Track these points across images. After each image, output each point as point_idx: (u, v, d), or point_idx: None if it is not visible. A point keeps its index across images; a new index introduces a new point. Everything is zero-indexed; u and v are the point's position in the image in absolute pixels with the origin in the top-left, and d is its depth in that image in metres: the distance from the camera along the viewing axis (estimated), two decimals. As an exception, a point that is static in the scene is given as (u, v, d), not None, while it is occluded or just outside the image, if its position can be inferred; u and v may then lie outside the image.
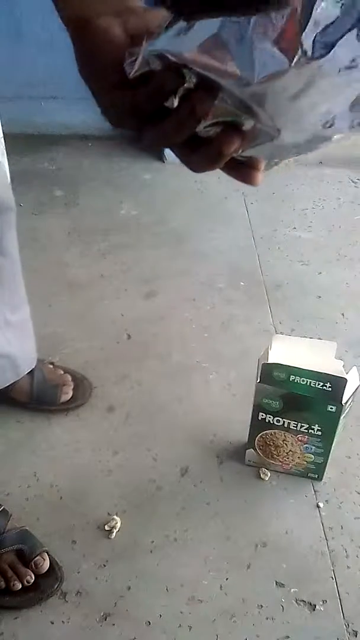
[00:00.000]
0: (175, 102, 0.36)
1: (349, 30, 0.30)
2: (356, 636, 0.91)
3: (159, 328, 1.41)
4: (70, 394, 1.23)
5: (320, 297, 1.53)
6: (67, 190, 1.94)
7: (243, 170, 0.41)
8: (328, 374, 0.95)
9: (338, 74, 0.31)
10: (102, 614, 0.93)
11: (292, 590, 0.96)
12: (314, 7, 0.30)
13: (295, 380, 0.96)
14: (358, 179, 2.04)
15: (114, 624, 0.92)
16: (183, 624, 0.92)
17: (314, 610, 0.94)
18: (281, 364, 0.96)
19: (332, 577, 0.98)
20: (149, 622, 0.92)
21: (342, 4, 0.30)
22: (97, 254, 1.67)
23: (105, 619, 0.93)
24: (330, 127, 0.37)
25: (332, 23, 0.30)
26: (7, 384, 1.14)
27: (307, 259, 1.67)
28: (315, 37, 0.30)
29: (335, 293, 1.54)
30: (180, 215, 1.83)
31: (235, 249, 1.69)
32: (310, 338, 1.17)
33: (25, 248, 1.68)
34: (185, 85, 0.35)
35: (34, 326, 1.41)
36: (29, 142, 2.18)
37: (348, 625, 0.92)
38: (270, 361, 0.97)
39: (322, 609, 0.94)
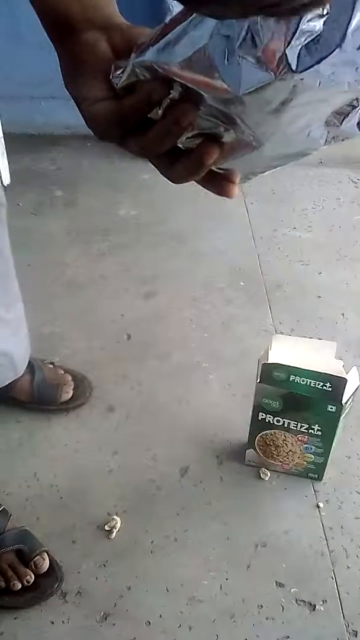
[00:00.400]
0: (160, 113, 0.37)
1: (335, 48, 0.31)
2: (356, 636, 0.91)
3: (159, 328, 1.41)
4: (71, 393, 1.23)
5: (320, 297, 1.53)
6: (66, 190, 1.94)
7: (219, 182, 0.42)
8: (328, 374, 0.95)
9: (318, 88, 0.32)
10: (102, 614, 0.93)
11: (292, 590, 0.96)
12: (300, 22, 0.30)
13: (295, 380, 0.96)
14: (358, 179, 2.04)
15: (114, 624, 0.92)
16: (183, 624, 0.92)
17: (314, 610, 0.94)
18: (281, 364, 0.96)
19: (332, 577, 0.98)
20: (149, 622, 0.92)
21: (325, 20, 0.30)
22: (97, 254, 1.67)
23: (105, 619, 0.93)
24: (307, 140, 0.38)
25: (316, 37, 0.30)
26: (7, 383, 1.14)
27: (307, 259, 1.66)
28: (300, 50, 0.30)
29: (335, 293, 1.54)
30: (180, 215, 1.83)
31: (235, 249, 1.69)
32: (310, 338, 1.17)
33: (25, 248, 1.69)
34: (170, 96, 0.36)
35: (34, 326, 1.41)
36: (29, 142, 2.18)
37: (348, 625, 0.92)
38: (270, 361, 0.97)
39: (322, 609, 0.94)
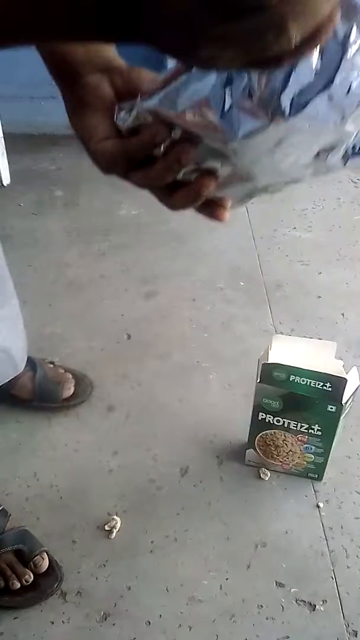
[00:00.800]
0: (162, 151, 0.41)
1: (321, 91, 0.34)
2: (356, 636, 0.91)
3: (159, 328, 1.41)
4: (72, 390, 1.24)
5: (320, 297, 1.53)
6: (67, 190, 1.94)
7: (212, 208, 0.46)
8: (328, 374, 0.95)
9: (308, 129, 0.36)
10: (102, 614, 0.93)
11: (292, 590, 0.96)
12: (292, 70, 0.34)
13: (295, 380, 0.96)
14: (358, 179, 2.04)
15: (114, 624, 0.92)
16: (183, 624, 0.92)
17: (314, 610, 0.94)
18: (281, 364, 0.96)
19: (332, 577, 0.98)
20: (149, 622, 0.92)
21: (316, 71, 0.34)
22: (97, 254, 1.67)
23: (105, 619, 0.93)
24: (297, 171, 0.43)
25: (307, 84, 0.34)
26: (7, 380, 1.14)
27: (307, 259, 1.67)
28: (292, 97, 0.34)
29: (335, 293, 1.54)
30: (181, 215, 1.82)
31: (235, 249, 1.69)
32: (310, 338, 1.17)
33: (25, 248, 1.69)
34: (171, 136, 0.40)
35: (34, 326, 1.41)
36: (29, 142, 2.18)
37: (348, 625, 0.92)
38: (270, 361, 0.97)
39: (322, 609, 0.94)
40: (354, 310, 1.49)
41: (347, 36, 0.34)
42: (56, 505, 1.07)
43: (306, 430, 1.02)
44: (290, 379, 0.97)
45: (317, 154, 0.41)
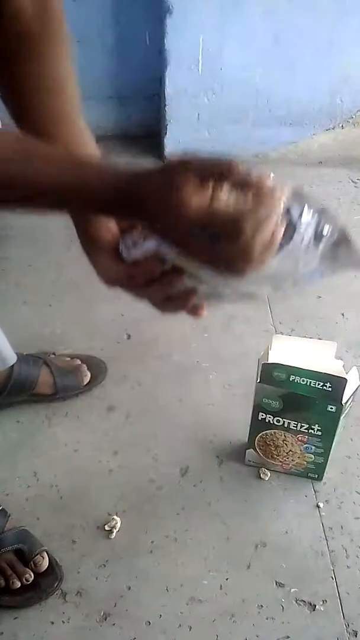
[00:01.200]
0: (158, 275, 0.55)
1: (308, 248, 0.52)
2: (356, 636, 0.91)
3: (159, 328, 1.41)
4: (89, 374, 1.25)
5: (320, 297, 1.52)
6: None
7: (193, 309, 0.59)
8: (328, 374, 0.95)
9: (285, 266, 0.51)
10: (102, 614, 0.93)
11: (292, 590, 0.96)
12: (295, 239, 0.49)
13: (295, 380, 0.96)
14: (358, 179, 2.04)
15: (114, 624, 0.92)
16: (183, 624, 0.92)
17: (314, 610, 0.94)
18: (281, 364, 0.96)
19: (332, 577, 0.98)
20: (149, 622, 0.92)
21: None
22: (97, 254, 1.66)
23: (105, 619, 0.93)
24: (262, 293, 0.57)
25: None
26: None
27: (307, 259, 1.66)
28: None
29: (335, 293, 1.54)
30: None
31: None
32: (310, 338, 1.17)
33: (25, 248, 1.69)
34: (165, 266, 0.54)
35: (34, 326, 1.41)
36: (29, 142, 2.17)
37: (348, 625, 0.92)
38: (270, 361, 0.97)
39: (322, 609, 0.94)
40: (354, 310, 1.49)
41: (300, 215, 0.48)
42: (56, 505, 1.07)
43: (306, 430, 1.02)
44: (290, 379, 0.97)
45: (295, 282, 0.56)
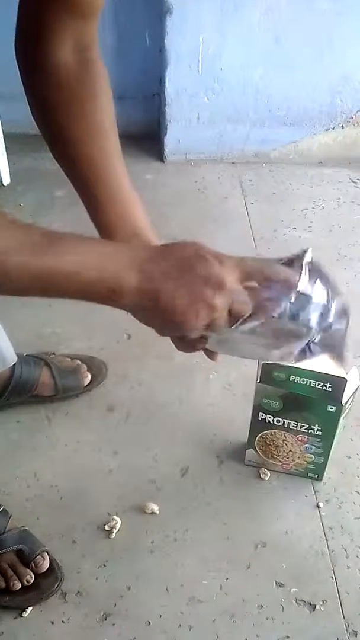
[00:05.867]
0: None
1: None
2: (356, 636, 0.91)
3: (159, 328, 1.41)
4: (89, 375, 1.25)
5: (320, 297, 1.52)
6: (67, 191, 1.92)
7: (207, 351, 0.70)
8: (328, 374, 0.95)
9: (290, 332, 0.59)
10: (102, 614, 0.93)
11: (292, 590, 0.96)
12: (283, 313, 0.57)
13: (295, 380, 0.96)
14: (358, 179, 2.04)
15: (114, 624, 0.92)
16: (183, 624, 0.92)
17: (314, 610, 0.94)
18: (281, 364, 0.96)
19: (332, 577, 0.98)
20: (149, 622, 0.92)
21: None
22: (97, 254, 1.66)
23: (105, 619, 0.93)
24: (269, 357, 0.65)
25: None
26: None
27: (307, 259, 1.66)
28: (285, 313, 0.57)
29: (335, 293, 1.54)
30: (180, 215, 1.83)
31: (235, 250, 1.68)
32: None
33: (26, 248, 1.68)
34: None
35: (34, 326, 1.41)
36: (30, 142, 2.16)
37: (348, 625, 0.92)
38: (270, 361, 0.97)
39: (322, 609, 0.94)
40: (354, 310, 1.48)
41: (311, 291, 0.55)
42: (56, 505, 1.07)
43: (306, 430, 1.02)
44: (290, 379, 0.97)
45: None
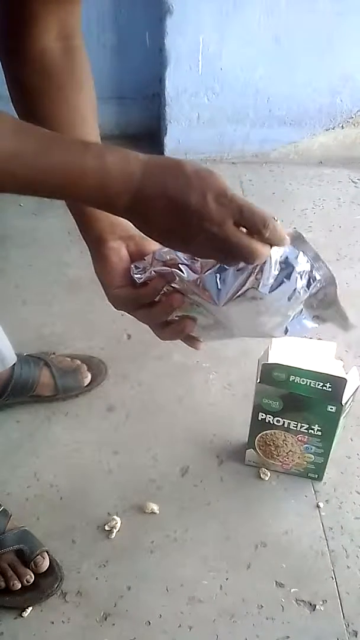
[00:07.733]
0: (160, 297, 0.61)
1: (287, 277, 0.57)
2: (356, 636, 0.91)
3: (159, 328, 1.41)
4: (89, 375, 1.25)
5: (320, 297, 1.52)
6: (67, 190, 1.94)
7: (190, 340, 0.67)
8: (328, 374, 0.95)
9: (279, 302, 0.57)
10: (102, 614, 0.93)
11: (292, 590, 0.96)
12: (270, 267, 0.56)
13: (295, 381, 0.96)
14: (358, 179, 2.04)
15: (114, 624, 0.92)
16: (183, 624, 0.92)
17: (314, 610, 0.94)
18: (281, 364, 0.96)
19: (332, 577, 0.98)
20: (149, 622, 0.92)
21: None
22: (97, 254, 1.66)
23: (105, 619, 0.93)
24: (268, 331, 0.62)
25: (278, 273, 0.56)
26: None
27: (307, 259, 1.66)
28: (270, 282, 0.56)
29: (335, 293, 1.54)
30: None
31: (235, 249, 1.68)
32: (310, 338, 1.17)
33: (25, 248, 1.69)
34: (166, 289, 0.61)
35: (34, 326, 1.41)
36: (29, 142, 2.17)
37: (348, 625, 0.92)
38: (270, 361, 0.97)
39: (322, 609, 0.94)
40: (354, 310, 1.48)
41: (295, 258, 0.56)
42: (56, 505, 1.07)
43: (306, 431, 1.02)
44: (290, 379, 0.97)
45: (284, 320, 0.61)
